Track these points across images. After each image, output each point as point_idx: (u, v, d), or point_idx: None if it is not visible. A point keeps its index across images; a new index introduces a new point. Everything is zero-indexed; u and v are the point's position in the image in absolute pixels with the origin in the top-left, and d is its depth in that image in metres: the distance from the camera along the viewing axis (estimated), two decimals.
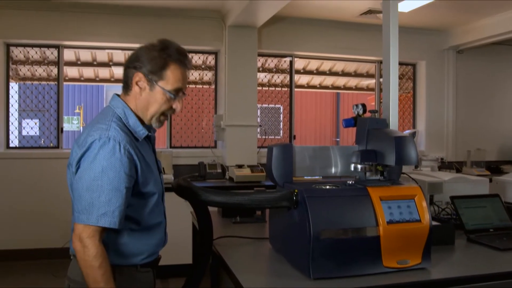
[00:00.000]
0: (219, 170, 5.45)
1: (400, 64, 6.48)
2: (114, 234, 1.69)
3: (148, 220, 1.79)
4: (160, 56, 1.73)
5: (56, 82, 5.59)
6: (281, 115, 6.59)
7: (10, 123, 5.52)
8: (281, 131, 6.54)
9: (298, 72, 6.92)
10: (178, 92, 1.78)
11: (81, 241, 1.59)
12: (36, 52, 5.60)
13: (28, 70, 5.71)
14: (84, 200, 1.60)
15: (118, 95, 1.82)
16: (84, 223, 1.59)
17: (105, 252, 1.62)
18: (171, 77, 1.75)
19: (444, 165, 6.25)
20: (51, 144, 5.62)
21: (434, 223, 2.04)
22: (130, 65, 1.76)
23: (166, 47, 1.76)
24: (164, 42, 1.78)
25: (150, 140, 1.88)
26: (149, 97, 1.76)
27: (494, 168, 6.38)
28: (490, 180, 3.20)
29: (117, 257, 1.72)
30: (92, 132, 1.65)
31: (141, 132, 1.78)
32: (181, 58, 1.78)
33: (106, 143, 1.61)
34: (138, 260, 1.78)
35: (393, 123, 2.52)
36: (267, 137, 6.10)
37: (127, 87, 1.79)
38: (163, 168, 5.06)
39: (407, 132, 6.36)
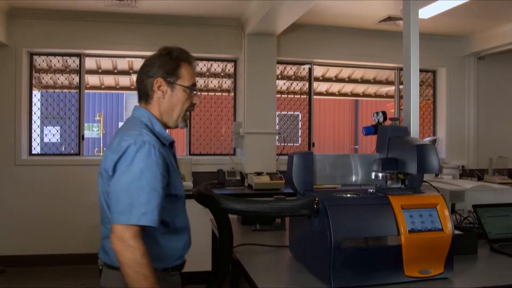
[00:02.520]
0: (238, 178, 5.46)
1: (420, 71, 6.38)
2: (146, 237, 1.71)
3: (176, 223, 1.86)
4: (170, 59, 1.87)
5: (77, 90, 5.67)
6: (300, 123, 6.58)
7: (33, 131, 5.61)
8: (300, 139, 6.53)
9: (317, 79, 6.91)
10: (194, 86, 1.92)
11: (124, 241, 1.62)
12: (59, 61, 5.69)
13: (50, 78, 5.80)
14: (124, 201, 1.65)
15: (141, 106, 1.92)
16: (125, 224, 1.63)
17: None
18: (185, 74, 1.89)
19: (465, 173, 6.17)
20: (72, 151, 5.69)
21: (456, 232, 2.02)
22: (145, 76, 1.87)
23: (171, 51, 1.89)
24: (166, 48, 1.91)
25: (172, 146, 1.96)
26: (172, 98, 1.87)
27: None
28: None
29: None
30: (126, 138, 1.72)
31: (168, 137, 1.89)
32: (187, 56, 1.91)
33: (142, 146, 1.69)
34: (169, 263, 1.85)
35: (414, 131, 2.49)
36: (286, 144, 6.09)
37: (147, 96, 1.88)
38: (183, 175, 5.09)
39: (427, 139, 6.30)
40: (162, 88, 1.86)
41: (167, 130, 1.93)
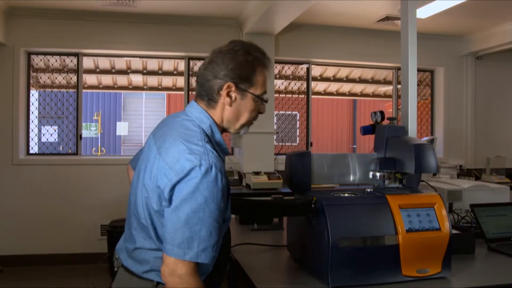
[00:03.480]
0: (236, 177, 5.46)
1: (418, 70, 6.41)
2: None
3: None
4: (247, 61, 1.62)
5: (75, 90, 5.66)
6: (298, 122, 6.58)
7: (30, 130, 5.60)
8: (298, 138, 6.53)
9: (315, 79, 6.92)
10: (265, 94, 1.70)
11: (182, 278, 1.44)
12: (56, 60, 5.68)
13: (48, 77, 5.79)
14: (182, 233, 1.43)
15: (199, 106, 1.66)
16: (181, 259, 1.43)
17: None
18: (259, 82, 1.66)
19: (463, 172, 6.18)
20: (70, 151, 5.68)
21: (454, 231, 2.02)
22: (213, 76, 1.61)
23: (249, 50, 1.65)
24: (242, 45, 1.65)
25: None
26: (240, 107, 1.64)
27: None
28: (511, 188, 3.16)
29: None
30: (189, 155, 1.47)
31: (226, 149, 1.66)
32: (265, 60, 1.68)
33: (209, 171, 1.44)
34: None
35: (412, 130, 2.50)
36: (284, 144, 6.09)
37: (210, 99, 1.62)
38: None
39: (425, 139, 6.30)
40: (231, 94, 1.60)
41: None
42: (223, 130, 1.69)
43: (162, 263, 1.48)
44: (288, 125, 6.52)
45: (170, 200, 1.47)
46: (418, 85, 6.65)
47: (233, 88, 1.60)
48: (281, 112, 6.42)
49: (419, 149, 1.86)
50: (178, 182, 1.45)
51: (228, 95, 1.61)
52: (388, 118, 2.26)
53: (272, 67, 1.52)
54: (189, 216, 1.43)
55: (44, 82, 5.82)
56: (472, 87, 6.63)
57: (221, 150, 1.62)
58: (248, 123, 1.71)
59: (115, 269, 1.73)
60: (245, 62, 1.61)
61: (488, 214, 2.53)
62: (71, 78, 5.72)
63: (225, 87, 1.59)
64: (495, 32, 6.06)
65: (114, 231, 4.81)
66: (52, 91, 5.77)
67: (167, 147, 1.54)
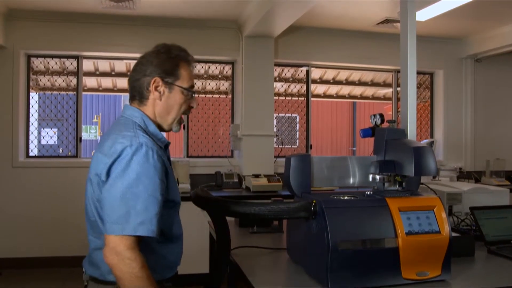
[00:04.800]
0: (236, 180, 5.46)
1: (418, 73, 6.40)
2: (141, 247, 1.56)
3: (173, 230, 1.76)
4: (169, 57, 1.75)
5: (75, 92, 5.67)
6: (298, 125, 6.58)
7: (30, 133, 5.60)
8: (298, 141, 6.53)
9: (314, 81, 6.91)
10: (193, 88, 1.81)
11: (120, 254, 1.48)
12: (56, 63, 5.69)
13: (48, 80, 5.80)
14: (118, 209, 1.50)
15: (131, 105, 1.79)
16: (120, 234, 1.49)
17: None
18: (185, 75, 1.76)
19: (462, 175, 6.18)
20: (70, 153, 5.69)
21: (454, 234, 2.02)
22: (141, 75, 1.74)
23: (170, 48, 1.77)
24: (164, 46, 1.79)
25: (166, 149, 1.84)
26: (169, 100, 1.75)
27: None
28: (511, 190, 3.16)
29: None
30: (120, 139, 1.59)
31: (163, 139, 1.77)
32: (186, 56, 1.80)
33: (139, 149, 1.55)
34: (164, 274, 1.74)
35: (412, 133, 2.50)
36: (283, 146, 6.09)
37: (141, 96, 1.75)
38: (177, 178, 5.08)
39: (425, 141, 6.30)
40: (159, 88, 1.72)
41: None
42: (159, 128, 1.78)
43: (104, 247, 1.52)
44: (288, 128, 6.52)
45: (106, 181, 1.57)
46: (417, 87, 6.64)
47: (160, 82, 1.72)
48: (281, 114, 6.43)
49: (418, 152, 1.86)
50: (112, 163, 1.56)
51: (156, 89, 1.73)
52: (387, 121, 2.25)
53: (193, 65, 1.61)
54: (123, 192, 1.51)
55: (44, 84, 5.83)
56: (471, 89, 6.63)
57: (158, 141, 1.73)
58: (179, 118, 1.80)
59: (85, 283, 1.76)
60: (168, 59, 1.74)
61: (488, 217, 2.53)
62: (71, 81, 5.72)
63: (152, 82, 1.72)
64: (494, 34, 6.07)
65: None
66: (52, 93, 5.78)
67: (102, 143, 1.67)
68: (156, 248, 1.69)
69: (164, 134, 1.88)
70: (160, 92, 1.73)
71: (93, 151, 12.35)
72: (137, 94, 1.76)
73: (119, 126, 1.70)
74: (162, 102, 1.74)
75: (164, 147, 1.79)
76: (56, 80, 5.73)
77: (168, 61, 1.74)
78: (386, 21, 5.57)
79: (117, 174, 1.54)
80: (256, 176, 5.28)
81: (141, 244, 1.55)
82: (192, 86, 1.80)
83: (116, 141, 1.59)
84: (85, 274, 1.75)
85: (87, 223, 1.74)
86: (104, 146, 1.63)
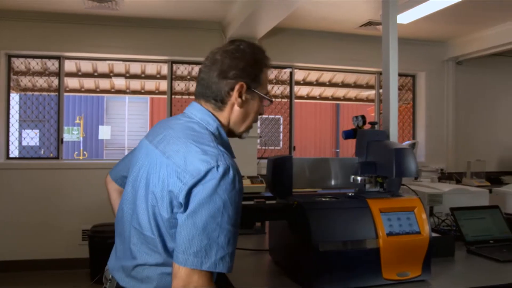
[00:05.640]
0: None
1: (400, 75, 6.50)
2: None
3: None
4: (256, 60, 1.58)
5: (56, 93, 5.61)
6: (281, 126, 6.60)
7: (11, 134, 5.53)
8: (281, 142, 6.55)
9: (298, 83, 6.94)
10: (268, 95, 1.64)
11: None
12: (37, 63, 5.63)
13: (29, 81, 5.73)
14: (199, 240, 1.31)
15: (202, 107, 1.57)
16: (197, 268, 1.30)
17: None
18: (265, 81, 1.62)
19: (444, 176, 6.25)
20: (51, 155, 5.63)
21: (434, 234, 2.04)
22: (222, 75, 1.53)
23: (255, 50, 1.60)
24: (249, 45, 1.60)
25: None
26: (248, 107, 1.58)
27: (494, 179, 6.38)
28: (490, 191, 3.20)
29: None
30: (203, 156, 1.36)
31: (232, 154, 1.53)
32: (269, 60, 1.64)
33: (227, 173, 1.34)
34: None
35: (393, 134, 2.52)
36: (267, 148, 6.10)
37: (219, 101, 1.55)
38: None
39: (407, 143, 6.36)
40: (242, 95, 1.54)
41: None
42: (229, 133, 1.61)
43: (173, 278, 1.33)
44: (271, 129, 6.53)
45: (185, 205, 1.34)
46: (400, 89, 6.73)
47: (245, 89, 1.54)
48: (264, 116, 6.41)
49: (399, 154, 1.87)
50: (194, 185, 1.33)
51: (240, 95, 1.54)
52: (369, 123, 2.27)
53: (270, 70, 1.52)
54: (207, 222, 1.31)
55: (25, 85, 5.76)
56: (453, 92, 6.72)
57: (230, 153, 1.51)
58: (251, 125, 1.66)
59: None
60: (254, 62, 1.57)
61: (468, 217, 2.56)
62: (52, 81, 5.67)
63: (237, 87, 1.53)
64: (475, 38, 6.16)
65: (95, 236, 4.78)
66: (33, 94, 5.71)
67: (177, 150, 1.42)
68: None
69: None
70: (242, 99, 1.55)
71: (75, 152, 12.21)
72: (212, 96, 1.55)
73: (194, 134, 1.47)
74: (241, 109, 1.57)
75: None
76: (37, 81, 5.67)
77: (254, 65, 1.56)
78: (369, 23, 5.62)
79: (201, 201, 1.32)
80: None
81: None
82: (267, 92, 1.64)
83: (197, 157, 1.36)
84: (111, 282, 1.58)
85: (131, 232, 1.52)
86: (178, 157, 1.40)
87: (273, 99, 1.66)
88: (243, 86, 1.53)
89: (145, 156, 1.55)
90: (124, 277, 1.53)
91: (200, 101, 1.59)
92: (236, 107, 1.56)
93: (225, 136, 1.56)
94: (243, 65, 1.53)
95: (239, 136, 1.65)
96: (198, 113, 1.55)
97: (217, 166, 1.33)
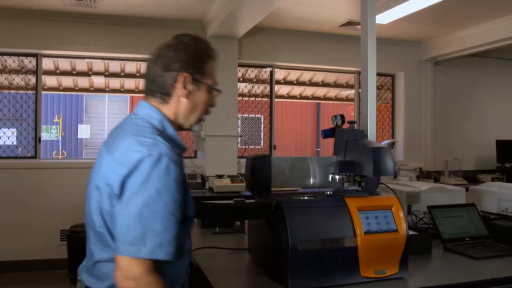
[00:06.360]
0: (199, 180, 5.43)
1: (379, 74, 6.57)
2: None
3: (184, 246, 1.60)
4: (199, 51, 1.59)
5: (34, 91, 5.53)
6: (262, 125, 6.60)
7: None
8: (262, 141, 6.55)
9: (278, 82, 6.96)
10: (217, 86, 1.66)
11: (137, 279, 1.33)
12: (14, 61, 5.54)
13: (5, 79, 5.63)
14: (134, 229, 1.33)
15: (148, 103, 1.59)
16: (135, 257, 1.33)
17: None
18: (211, 72, 1.63)
19: (422, 175, 6.32)
20: (29, 154, 5.54)
21: (411, 232, 2.07)
22: (164, 68, 1.55)
23: (198, 41, 1.62)
24: (191, 38, 1.62)
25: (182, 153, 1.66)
26: (196, 98, 1.59)
27: (471, 178, 6.48)
28: (467, 190, 3.24)
29: None
30: (138, 147, 1.39)
31: (181, 144, 1.59)
32: (213, 50, 1.65)
33: (160, 160, 1.37)
34: None
35: (371, 133, 2.54)
36: (247, 147, 6.10)
37: (164, 94, 1.56)
38: None
39: (386, 142, 6.42)
40: (187, 85, 1.55)
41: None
42: (178, 127, 1.62)
43: (115, 269, 1.36)
44: (251, 129, 6.53)
45: (121, 196, 1.38)
46: (379, 89, 6.79)
47: (189, 79, 1.56)
48: (244, 115, 6.43)
49: (376, 153, 1.89)
50: (128, 175, 1.37)
51: (184, 86, 1.56)
52: (348, 122, 2.29)
53: (217, 60, 1.52)
54: (141, 210, 1.34)
55: (1, 83, 5.65)
56: (431, 91, 6.80)
57: (176, 146, 1.53)
58: (202, 117, 1.66)
59: None
60: (197, 53, 1.59)
61: (445, 215, 2.59)
62: (29, 80, 5.58)
63: (181, 78, 1.55)
64: (453, 38, 6.25)
65: (74, 236, 4.72)
66: (9, 92, 5.62)
67: (117, 145, 1.46)
68: (167, 267, 1.50)
69: None
70: (187, 90, 1.56)
71: (54, 152, 12.07)
72: (158, 90, 1.57)
73: (134, 128, 1.50)
74: (188, 100, 1.58)
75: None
76: (14, 79, 5.57)
77: (197, 56, 1.58)
78: (349, 23, 5.65)
79: (134, 189, 1.35)
80: (220, 176, 5.26)
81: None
82: (216, 83, 1.66)
83: (132, 148, 1.40)
84: (80, 283, 1.60)
85: (89, 231, 1.55)
86: (117, 151, 1.44)
87: (221, 91, 1.67)
88: (187, 77, 1.55)
89: (98, 157, 1.57)
90: (88, 276, 1.56)
91: (147, 98, 1.61)
92: (183, 99, 1.57)
93: (170, 129, 1.57)
94: (186, 57, 1.56)
95: (190, 128, 1.65)
96: (143, 109, 1.58)
97: (150, 155, 1.36)
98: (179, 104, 1.58)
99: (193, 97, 1.59)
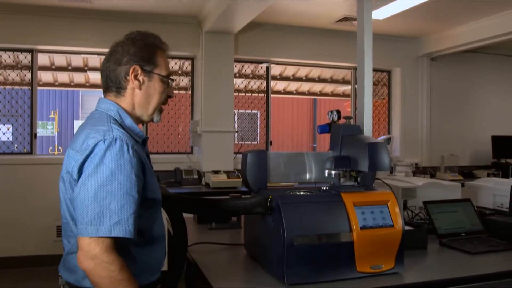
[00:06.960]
0: (195, 176, 5.43)
1: (376, 70, 6.58)
2: (119, 250, 1.46)
3: (153, 231, 1.65)
4: (146, 45, 1.67)
5: (29, 87, 5.51)
6: (258, 121, 6.60)
7: None
8: (258, 137, 6.55)
9: (274, 78, 6.95)
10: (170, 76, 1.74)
11: (96, 258, 1.38)
12: (9, 56, 5.51)
13: (0, 74, 5.61)
14: (92, 209, 1.40)
15: (106, 98, 1.68)
16: (95, 236, 1.39)
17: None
18: (162, 63, 1.69)
19: (418, 170, 6.34)
20: (25, 150, 5.53)
21: (407, 227, 2.07)
22: (116, 64, 1.63)
23: (145, 36, 1.71)
24: (139, 33, 1.72)
25: (145, 144, 1.74)
26: (149, 89, 1.66)
27: (467, 173, 6.50)
28: (463, 185, 3.25)
29: None
30: (93, 134, 1.48)
31: (140, 133, 1.66)
32: (162, 43, 1.74)
33: (113, 143, 1.45)
34: (145, 279, 1.62)
35: (367, 129, 2.54)
36: (243, 142, 6.09)
37: (119, 87, 1.64)
38: None
39: (382, 137, 6.43)
40: (138, 77, 1.63)
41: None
42: (137, 120, 1.70)
43: (78, 250, 1.42)
44: (248, 124, 6.53)
45: (78, 180, 1.46)
46: (375, 85, 6.80)
47: (139, 71, 1.63)
48: (241, 111, 6.43)
49: (372, 148, 1.90)
50: (84, 160, 1.46)
51: (135, 78, 1.63)
52: (344, 117, 2.29)
53: (168, 53, 1.59)
54: (96, 190, 1.41)
55: None
56: (427, 87, 6.81)
57: (136, 135, 1.63)
58: (159, 107, 1.73)
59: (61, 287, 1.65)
60: (145, 46, 1.67)
61: (440, 210, 2.60)
62: (25, 75, 5.56)
63: (131, 71, 1.62)
64: (449, 34, 6.25)
65: None
66: (5, 88, 5.59)
67: (75, 139, 1.57)
68: (135, 251, 1.57)
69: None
70: (139, 81, 1.64)
71: (50, 148, 12.05)
72: (113, 85, 1.65)
73: (92, 121, 1.59)
74: (142, 91, 1.65)
75: (142, 142, 1.69)
76: (9, 74, 5.55)
77: (145, 49, 1.66)
78: (345, 19, 5.64)
79: (89, 172, 1.43)
80: (216, 172, 5.26)
81: (119, 248, 1.45)
82: (170, 74, 1.73)
83: (88, 136, 1.49)
84: (61, 279, 1.63)
85: (62, 226, 1.62)
86: (76, 142, 1.53)
87: (174, 79, 1.72)
88: (137, 69, 1.63)
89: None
90: (63, 270, 1.62)
91: (105, 94, 1.70)
92: (137, 90, 1.65)
93: (128, 119, 1.64)
94: (134, 50, 1.64)
95: (151, 119, 1.72)
96: (102, 104, 1.67)
97: (104, 140, 1.46)
98: (134, 96, 1.66)
99: (146, 88, 1.66)
